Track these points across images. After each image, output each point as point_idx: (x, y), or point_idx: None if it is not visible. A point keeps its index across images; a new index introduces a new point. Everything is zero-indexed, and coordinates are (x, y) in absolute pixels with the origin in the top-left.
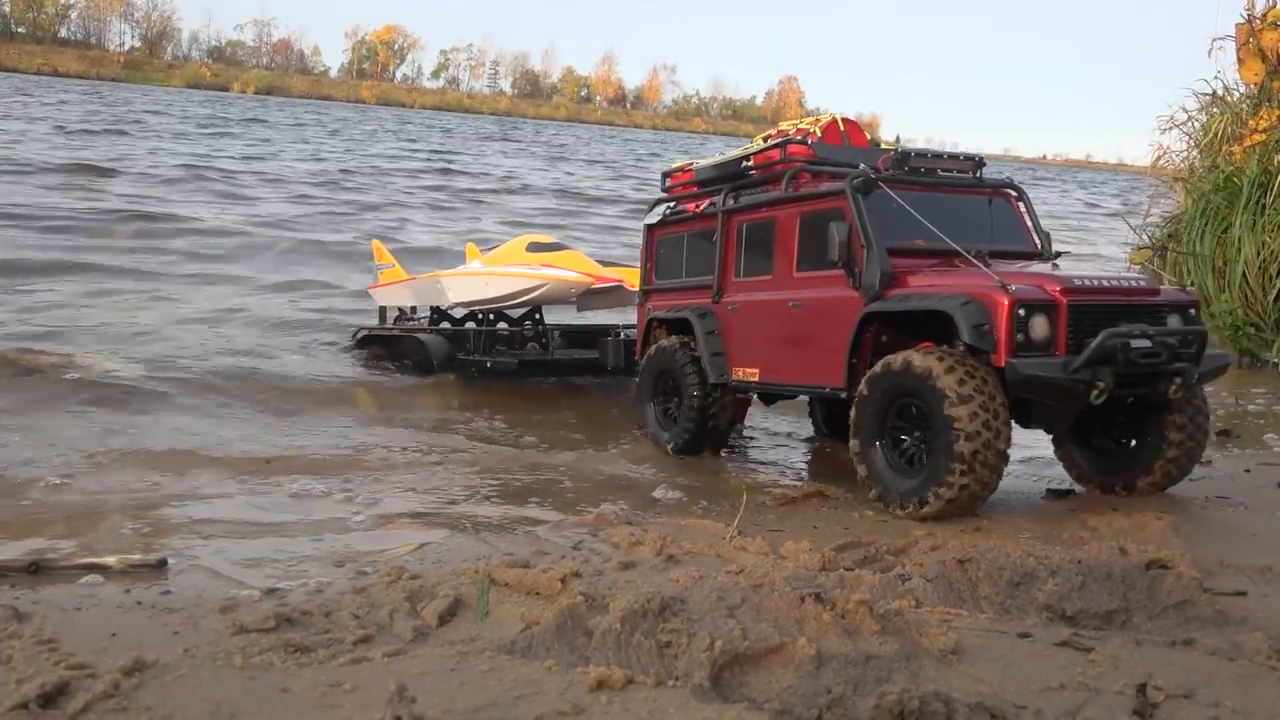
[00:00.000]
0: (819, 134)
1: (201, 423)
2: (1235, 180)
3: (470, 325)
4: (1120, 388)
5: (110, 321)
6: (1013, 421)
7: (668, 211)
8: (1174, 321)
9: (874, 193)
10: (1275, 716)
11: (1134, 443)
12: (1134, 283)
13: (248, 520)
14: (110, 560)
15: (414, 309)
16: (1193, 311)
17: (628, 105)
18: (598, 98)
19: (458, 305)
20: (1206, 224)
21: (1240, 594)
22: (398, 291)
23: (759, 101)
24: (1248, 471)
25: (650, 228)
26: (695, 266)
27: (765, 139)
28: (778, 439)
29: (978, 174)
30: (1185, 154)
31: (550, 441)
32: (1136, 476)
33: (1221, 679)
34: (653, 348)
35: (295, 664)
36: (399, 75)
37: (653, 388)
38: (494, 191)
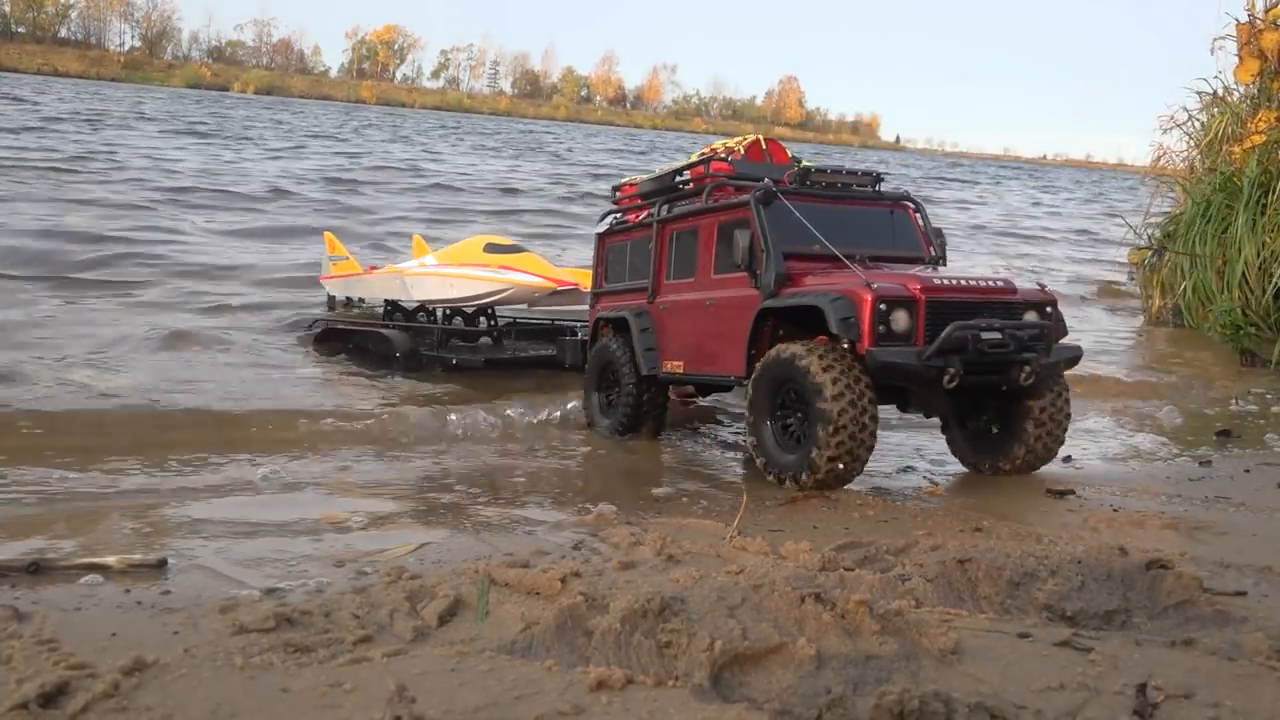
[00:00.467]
0: (743, 152)
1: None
2: (1235, 181)
3: (421, 317)
4: (973, 374)
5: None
6: (896, 407)
7: (614, 222)
8: (1030, 317)
9: (775, 204)
10: (1275, 716)
11: (1001, 428)
12: (992, 282)
13: (248, 520)
14: (110, 560)
15: (361, 299)
16: (1049, 309)
17: (628, 105)
18: (598, 98)
19: (421, 302)
20: (1206, 224)
21: (1240, 594)
22: (352, 284)
23: (759, 101)
24: (1248, 471)
25: (600, 236)
26: (636, 271)
27: (700, 156)
28: None
29: (876, 188)
30: (1185, 154)
31: (549, 441)
32: (1004, 458)
33: (1221, 679)
34: (597, 345)
35: (295, 664)
36: (399, 75)
37: (598, 379)
38: (494, 192)
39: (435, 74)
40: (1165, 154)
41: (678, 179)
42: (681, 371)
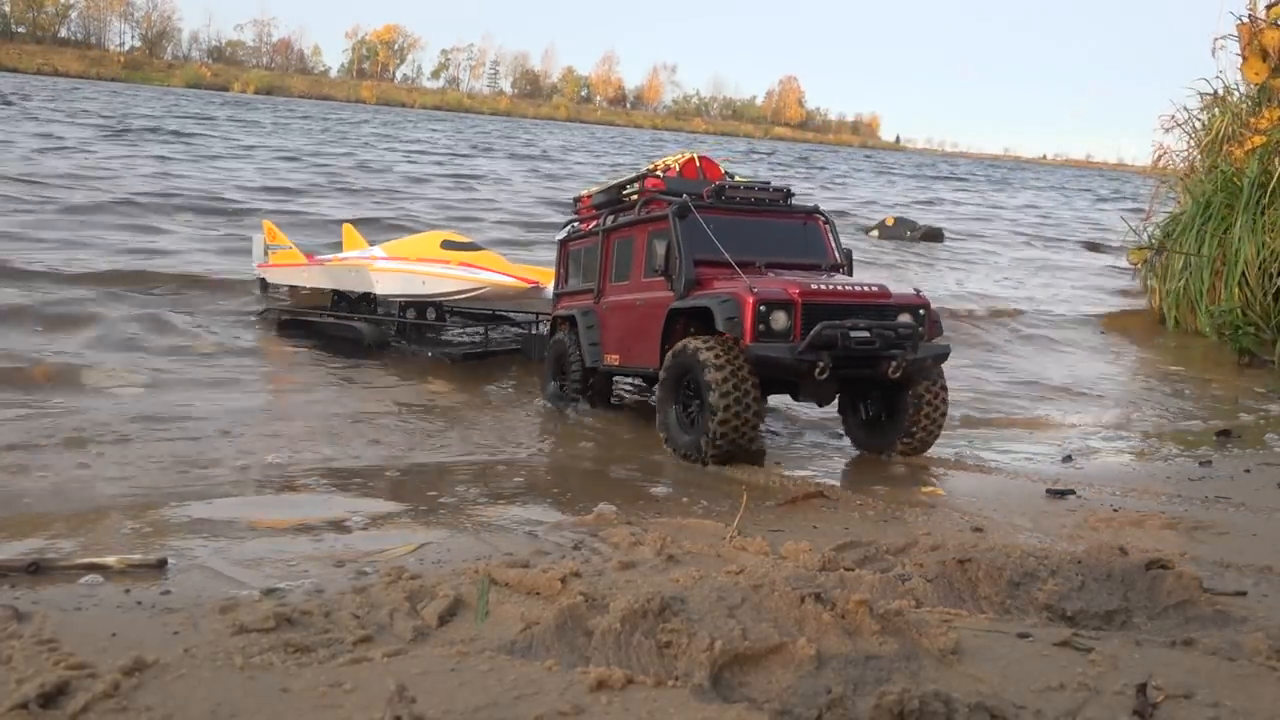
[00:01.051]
0: (678, 170)
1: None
2: (1236, 181)
3: (365, 307)
4: (845, 367)
5: None
6: (790, 396)
7: (573, 229)
8: (905, 318)
9: (689, 218)
10: (1275, 716)
11: (887, 416)
12: (867, 287)
13: (248, 520)
14: (110, 560)
15: (291, 287)
16: (921, 311)
17: (628, 105)
18: (598, 98)
19: (389, 296)
20: (1207, 224)
21: (1240, 594)
22: (300, 274)
23: (759, 101)
24: (1248, 471)
25: (561, 242)
26: (589, 274)
27: (643, 172)
28: (777, 438)
29: (787, 202)
30: (1186, 154)
31: (549, 441)
32: (890, 443)
33: (1221, 679)
34: (554, 338)
35: (295, 664)
36: (399, 75)
37: (554, 369)
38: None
39: (435, 74)
40: (1166, 154)
41: (622, 192)
42: (617, 364)
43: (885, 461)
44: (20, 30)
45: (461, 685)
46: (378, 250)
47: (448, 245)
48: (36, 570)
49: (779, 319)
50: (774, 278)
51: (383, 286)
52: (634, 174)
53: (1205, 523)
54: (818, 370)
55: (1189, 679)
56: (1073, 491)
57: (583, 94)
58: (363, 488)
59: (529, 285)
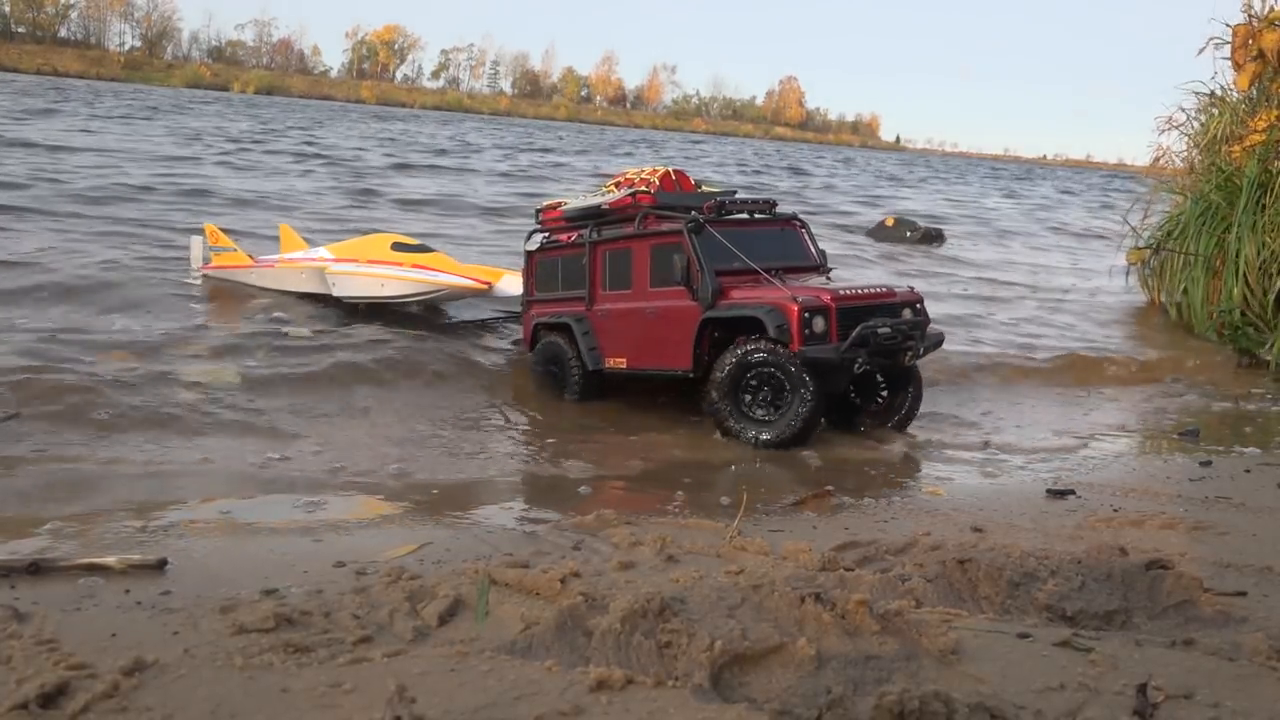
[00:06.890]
0: (657, 183)
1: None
2: (1235, 180)
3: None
4: (873, 358)
5: None
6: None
7: (543, 240)
8: (907, 313)
9: (705, 232)
10: (1275, 716)
11: (878, 400)
12: (878, 289)
13: (248, 520)
14: (110, 560)
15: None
16: (919, 305)
17: (628, 105)
18: (598, 98)
19: (347, 298)
20: (1206, 224)
21: (1240, 594)
22: (246, 275)
23: (759, 101)
24: (1248, 472)
25: (530, 252)
26: (570, 282)
27: (617, 185)
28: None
29: (773, 212)
30: (1185, 154)
31: (547, 441)
32: (883, 421)
33: (1221, 679)
34: (541, 343)
35: (295, 664)
36: (399, 75)
37: (544, 369)
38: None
39: (435, 74)
40: (1164, 154)
41: (603, 206)
42: (625, 367)
43: (885, 462)
44: (20, 30)
45: (461, 685)
46: (323, 250)
47: (398, 247)
48: (36, 570)
49: (819, 323)
50: (799, 284)
51: (341, 289)
52: (603, 190)
53: (1205, 523)
54: (858, 365)
55: (1189, 679)
56: (1073, 491)
57: (583, 94)
58: (361, 488)
59: (483, 286)
